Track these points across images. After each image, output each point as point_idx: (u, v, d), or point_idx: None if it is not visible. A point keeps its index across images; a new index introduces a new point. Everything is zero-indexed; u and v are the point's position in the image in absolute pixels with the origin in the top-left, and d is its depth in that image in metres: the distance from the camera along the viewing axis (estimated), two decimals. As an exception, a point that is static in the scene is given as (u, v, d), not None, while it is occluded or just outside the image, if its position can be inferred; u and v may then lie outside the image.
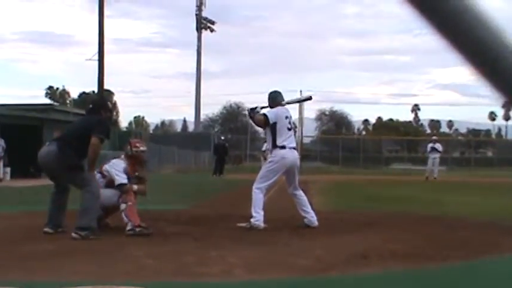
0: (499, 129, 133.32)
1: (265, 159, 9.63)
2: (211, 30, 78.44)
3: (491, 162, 69.72)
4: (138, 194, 8.62)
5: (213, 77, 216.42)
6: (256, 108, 9.45)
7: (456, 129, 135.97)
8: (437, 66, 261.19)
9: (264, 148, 10.23)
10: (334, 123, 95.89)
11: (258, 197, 9.03)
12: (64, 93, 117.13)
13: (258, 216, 8.87)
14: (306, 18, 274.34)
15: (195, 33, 77.71)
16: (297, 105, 67.46)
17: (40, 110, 34.50)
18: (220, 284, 5.30)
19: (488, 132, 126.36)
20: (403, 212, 11.73)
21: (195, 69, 77.95)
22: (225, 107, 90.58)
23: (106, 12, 34.65)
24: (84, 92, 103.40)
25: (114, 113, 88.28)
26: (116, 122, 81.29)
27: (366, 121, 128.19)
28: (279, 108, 9.30)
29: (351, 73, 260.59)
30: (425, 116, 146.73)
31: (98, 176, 8.48)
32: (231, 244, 7.36)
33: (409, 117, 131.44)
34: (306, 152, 61.12)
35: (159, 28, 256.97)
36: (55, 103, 75.74)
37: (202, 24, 77.15)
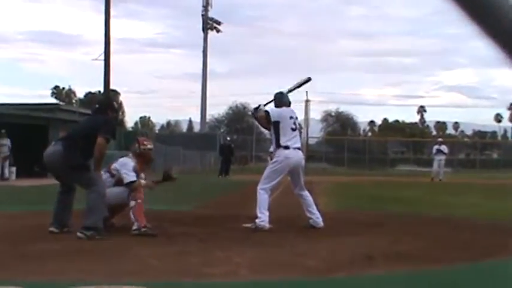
0: (505, 131, 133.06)
1: (271, 160, 9.60)
2: (217, 31, 78.41)
3: (496, 164, 69.56)
4: (146, 188, 8.67)
5: (219, 78, 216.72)
6: (259, 106, 9.45)
7: (462, 131, 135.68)
8: (444, 68, 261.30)
9: (271, 149, 10.21)
10: (340, 124, 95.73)
11: (262, 197, 9.02)
12: (70, 93, 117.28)
13: (263, 217, 8.87)
14: (312, 19, 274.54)
15: (201, 34, 77.69)
16: (303, 106, 67.51)
17: (46, 110, 34.52)
18: (225, 285, 5.30)
19: (494, 134, 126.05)
20: (408, 214, 11.72)
21: (201, 70, 77.95)
22: (230, 108, 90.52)
23: (112, 12, 34.69)
24: (90, 92, 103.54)
25: (120, 113, 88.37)
26: (121, 122, 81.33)
27: (371, 122, 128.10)
28: (283, 108, 9.29)
29: (356, 74, 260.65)
30: (431, 117, 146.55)
31: (107, 175, 8.49)
32: (236, 245, 7.35)
33: (415, 118, 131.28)
34: (311, 153, 61.12)
35: (165, 28, 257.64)
36: (61, 103, 75.81)
37: (208, 24, 77.14)
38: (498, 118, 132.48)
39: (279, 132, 9.10)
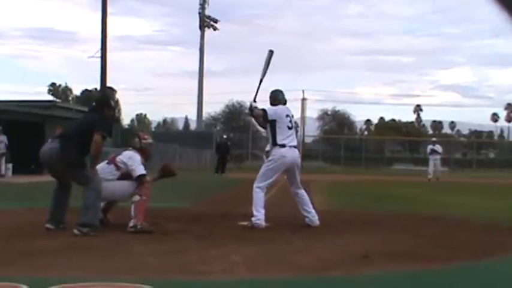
0: (501, 131, 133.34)
1: (267, 158, 9.59)
2: (214, 29, 78.43)
3: (493, 164, 69.71)
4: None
5: (215, 76, 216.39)
6: (251, 105, 9.43)
7: (458, 131, 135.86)
8: (440, 67, 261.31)
9: (267, 148, 10.17)
10: (336, 123, 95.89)
11: (258, 196, 9.02)
12: (66, 90, 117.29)
13: (259, 215, 8.87)
14: (309, 17, 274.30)
15: (198, 32, 77.73)
16: (299, 104, 67.52)
17: (42, 107, 34.51)
18: (221, 282, 5.30)
19: (490, 133, 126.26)
20: (404, 212, 11.74)
21: (197, 68, 77.98)
22: (227, 106, 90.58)
23: (109, 9, 34.67)
24: (86, 89, 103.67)
25: (117, 111, 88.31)
26: (118, 120, 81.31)
27: (368, 121, 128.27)
28: (280, 106, 9.28)
29: (353, 73, 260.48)
30: (427, 116, 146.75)
31: (112, 167, 8.44)
32: (233, 242, 7.35)
33: (411, 117, 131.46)
34: (307, 152, 61.19)
35: (162, 26, 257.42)
36: (57, 100, 75.78)
37: (206, 22, 77.12)
38: (495, 118, 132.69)
39: (276, 131, 9.09)
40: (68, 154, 7.96)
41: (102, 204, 8.44)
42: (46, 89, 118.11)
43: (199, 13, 77.50)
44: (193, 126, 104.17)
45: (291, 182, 9.34)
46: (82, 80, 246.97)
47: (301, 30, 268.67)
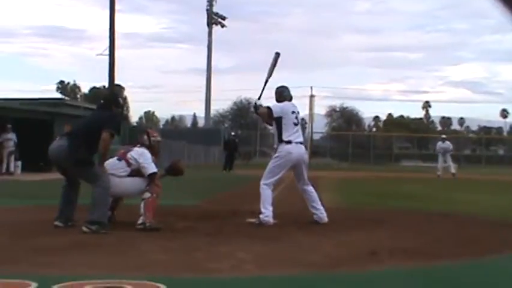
0: (511, 127, 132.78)
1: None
2: (222, 26, 78.46)
3: (502, 160, 69.52)
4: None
5: (223, 73, 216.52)
6: (255, 104, 9.45)
7: (467, 127, 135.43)
8: (449, 63, 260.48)
9: (276, 145, 10.15)
10: (345, 119, 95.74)
11: (266, 192, 9.03)
12: (75, 87, 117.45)
13: (267, 212, 8.88)
14: (317, 14, 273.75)
15: (206, 29, 77.76)
16: (307, 101, 67.44)
17: (51, 105, 34.59)
18: (230, 280, 5.31)
19: (499, 129, 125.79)
20: (412, 209, 11.72)
21: (205, 65, 78.00)
22: (235, 103, 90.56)
23: (117, 6, 34.67)
24: (94, 87, 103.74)
25: (125, 108, 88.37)
26: (126, 117, 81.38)
27: (376, 118, 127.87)
28: (285, 103, 9.28)
29: (361, 70, 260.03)
30: (436, 113, 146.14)
31: (122, 163, 8.45)
32: (241, 240, 7.37)
33: (420, 114, 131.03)
34: (315, 148, 61.14)
35: (170, 23, 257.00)
36: (66, 98, 75.96)
37: (213, 19, 77.14)
38: (504, 114, 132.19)
39: (282, 128, 9.09)
40: (76, 152, 7.98)
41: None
42: (54, 87, 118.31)
43: (207, 10, 77.56)
44: (201, 123, 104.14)
45: (298, 179, 9.34)
46: (90, 78, 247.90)
47: (309, 27, 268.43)
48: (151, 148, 8.72)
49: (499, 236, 8.09)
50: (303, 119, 10.61)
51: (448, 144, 31.14)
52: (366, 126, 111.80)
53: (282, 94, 9.37)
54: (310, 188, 9.34)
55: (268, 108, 9.21)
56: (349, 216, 10.21)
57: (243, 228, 8.50)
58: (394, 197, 15.05)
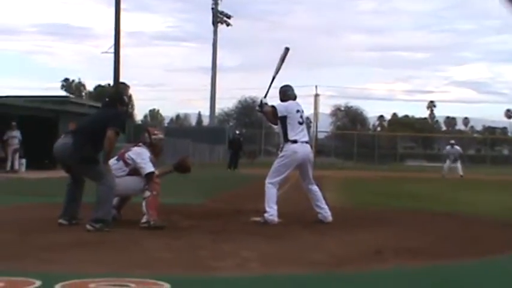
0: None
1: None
2: (227, 25, 78.38)
3: (507, 160, 69.41)
4: (165, 174, 8.68)
5: (228, 71, 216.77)
6: (261, 102, 9.43)
7: (472, 127, 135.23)
8: (454, 63, 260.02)
9: (281, 144, 10.13)
10: (349, 119, 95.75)
11: (271, 191, 9.02)
12: (80, 85, 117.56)
13: (271, 211, 8.87)
14: (322, 13, 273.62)
15: (211, 27, 77.71)
16: (312, 100, 67.42)
17: (56, 102, 34.65)
18: (234, 278, 5.30)
19: (504, 130, 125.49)
20: (417, 209, 11.69)
21: (210, 63, 78.00)
22: (240, 102, 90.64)
23: (122, 5, 34.69)
24: (99, 85, 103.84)
25: (130, 106, 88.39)
26: (131, 115, 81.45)
27: (381, 117, 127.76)
28: (290, 102, 9.27)
29: (366, 69, 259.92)
30: (441, 113, 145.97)
31: (120, 163, 8.45)
32: (246, 238, 7.36)
33: (424, 114, 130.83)
34: (320, 148, 61.05)
35: (175, 22, 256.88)
36: (71, 95, 76.02)
37: (219, 18, 77.09)
38: (509, 114, 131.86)
39: (287, 127, 9.08)
40: (81, 150, 7.98)
41: (115, 201, 8.46)
42: (59, 84, 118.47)
43: (212, 9, 77.45)
44: (206, 121, 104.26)
45: (304, 178, 9.33)
46: (96, 76, 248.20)
47: (314, 26, 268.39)
48: (152, 146, 8.69)
49: (502, 236, 8.07)
50: (307, 118, 10.65)
51: (456, 149, 31.27)
52: (371, 126, 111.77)
53: (286, 93, 9.35)
54: (315, 187, 9.33)
55: (273, 107, 9.20)
56: (354, 215, 10.20)
57: (247, 226, 8.49)
58: (398, 197, 15.03)
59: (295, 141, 9.04)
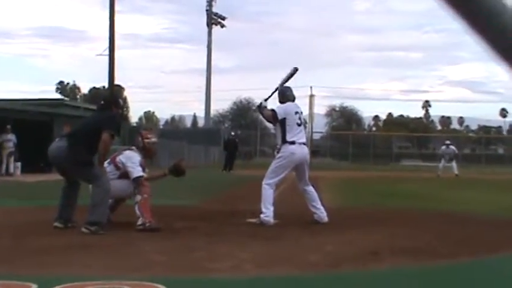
0: (510, 126, 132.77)
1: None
2: (222, 26, 78.44)
3: (502, 159, 69.53)
4: (159, 179, 8.68)
5: (223, 73, 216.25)
6: (261, 104, 9.47)
7: (467, 126, 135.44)
8: (449, 63, 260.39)
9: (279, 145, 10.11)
10: (344, 119, 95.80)
11: (267, 192, 9.03)
12: (74, 88, 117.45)
13: (267, 212, 8.88)
14: (317, 14, 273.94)
15: (206, 29, 77.74)
16: (307, 100, 67.49)
17: (51, 105, 34.56)
18: (230, 280, 5.30)
19: (499, 129, 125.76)
20: (413, 209, 11.71)
21: (205, 65, 77.99)
22: (235, 103, 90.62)
23: (117, 7, 34.68)
24: (94, 87, 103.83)
25: (124, 108, 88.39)
26: (126, 117, 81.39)
27: (376, 117, 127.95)
28: (288, 103, 9.29)
29: (361, 69, 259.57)
30: (436, 112, 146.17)
31: (111, 167, 8.46)
32: (241, 239, 7.36)
33: (419, 113, 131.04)
34: (315, 148, 61.09)
35: (170, 23, 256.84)
36: (65, 98, 75.92)
37: (213, 19, 77.13)
38: (503, 113, 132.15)
39: (286, 129, 9.10)
40: (75, 152, 7.97)
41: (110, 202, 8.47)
42: (54, 87, 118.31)
43: (207, 10, 77.50)
44: (201, 123, 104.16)
45: (300, 179, 9.35)
46: (91, 78, 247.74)
47: (309, 27, 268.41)
48: (146, 150, 8.73)
49: (497, 236, 8.08)
50: (304, 119, 10.69)
51: (452, 149, 31.55)
52: (366, 126, 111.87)
53: (285, 95, 9.39)
54: (310, 188, 9.35)
55: (273, 110, 9.25)
56: (350, 215, 10.21)
57: (243, 228, 8.49)
58: (394, 197, 15.05)
59: (292, 143, 9.06)
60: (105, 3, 34.61)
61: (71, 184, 8.38)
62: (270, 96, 9.45)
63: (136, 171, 8.35)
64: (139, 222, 8.04)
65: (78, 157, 7.97)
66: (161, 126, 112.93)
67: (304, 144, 9.33)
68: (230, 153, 34.52)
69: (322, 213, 9.18)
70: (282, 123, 9.14)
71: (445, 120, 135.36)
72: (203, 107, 78.12)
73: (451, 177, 28.15)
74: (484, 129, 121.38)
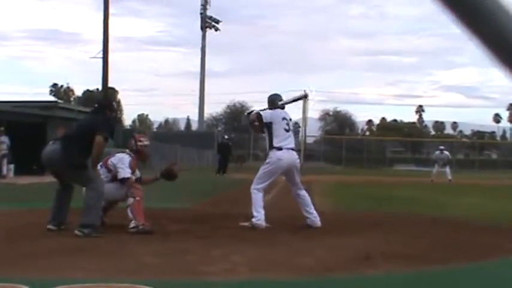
0: (504, 131, 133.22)
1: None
2: (216, 29, 78.52)
3: (495, 165, 69.71)
4: (150, 183, 8.69)
5: (217, 76, 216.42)
6: (252, 111, 9.51)
7: (460, 131, 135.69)
8: (443, 68, 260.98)
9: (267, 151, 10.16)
10: (338, 123, 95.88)
11: (257, 196, 9.06)
12: (68, 90, 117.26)
13: (259, 216, 8.89)
14: (311, 18, 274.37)
15: (200, 32, 77.79)
16: (301, 104, 67.55)
17: (44, 107, 34.48)
18: (223, 283, 5.31)
19: (492, 134, 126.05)
20: (406, 213, 11.72)
21: (199, 68, 78.02)
22: (229, 106, 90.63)
23: (112, 10, 34.75)
24: (88, 90, 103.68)
25: (118, 111, 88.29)
26: (119, 120, 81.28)
27: (369, 122, 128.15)
28: (276, 110, 9.34)
29: (355, 73, 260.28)
30: (429, 117, 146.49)
31: (103, 170, 8.48)
32: (234, 243, 7.36)
33: (413, 118, 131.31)
34: (309, 152, 61.01)
35: (165, 27, 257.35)
36: (59, 100, 75.76)
37: (207, 23, 77.19)
38: (497, 118, 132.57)
39: (272, 133, 9.14)
40: (69, 156, 7.97)
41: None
42: (48, 89, 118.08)
43: (201, 14, 77.58)
44: (195, 126, 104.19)
45: (291, 184, 9.36)
46: (85, 81, 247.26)
47: (303, 31, 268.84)
48: (139, 153, 8.78)
49: (490, 241, 8.09)
50: (296, 123, 10.68)
51: (446, 154, 31.66)
52: (359, 130, 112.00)
53: (274, 102, 9.44)
54: (303, 192, 9.35)
55: (258, 113, 9.28)
56: (343, 220, 10.21)
57: (235, 231, 8.49)
58: (387, 201, 15.05)
59: (280, 148, 9.08)
60: (100, 6, 34.62)
61: (65, 187, 8.38)
62: (264, 109, 9.48)
63: (124, 172, 8.39)
64: (132, 224, 8.05)
65: (72, 160, 7.97)
66: (155, 129, 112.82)
67: (292, 149, 9.35)
68: (223, 156, 34.52)
69: (315, 218, 9.18)
70: (268, 128, 9.17)
71: (439, 125, 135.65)
72: (197, 110, 78.34)
73: (444, 182, 28.18)
74: (478, 134, 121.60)
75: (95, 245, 7.07)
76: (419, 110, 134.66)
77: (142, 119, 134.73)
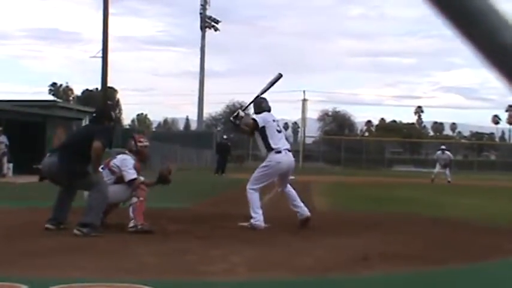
0: (503, 133, 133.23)
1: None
2: (216, 29, 78.52)
3: (494, 166, 69.72)
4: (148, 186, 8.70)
5: (217, 76, 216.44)
6: (238, 114, 9.51)
7: (459, 132, 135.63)
8: (442, 69, 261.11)
9: (264, 154, 10.13)
10: (337, 124, 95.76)
11: (253, 196, 9.09)
12: (67, 90, 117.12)
13: (257, 216, 8.91)
14: (311, 18, 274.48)
15: (200, 32, 77.78)
16: (300, 105, 67.51)
17: (43, 107, 34.45)
18: (222, 283, 5.30)
19: (491, 135, 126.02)
20: (405, 214, 11.72)
21: (199, 68, 78.01)
22: (228, 106, 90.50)
23: (112, 10, 34.72)
24: (87, 89, 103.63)
25: (117, 111, 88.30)
26: (118, 120, 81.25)
27: (368, 122, 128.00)
28: (264, 113, 9.39)
29: (354, 74, 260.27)
30: (428, 118, 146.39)
31: (106, 171, 8.47)
32: (233, 243, 7.36)
33: (412, 119, 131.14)
34: (308, 153, 61.16)
35: (164, 26, 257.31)
36: (58, 100, 75.75)
37: (207, 23, 77.18)
38: (496, 120, 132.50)
39: (267, 136, 9.20)
40: (68, 165, 8.02)
41: None
42: (47, 89, 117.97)
43: (201, 13, 77.56)
44: (194, 126, 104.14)
45: (281, 184, 9.43)
46: (85, 80, 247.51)
47: (303, 31, 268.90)
48: (139, 153, 8.77)
49: (490, 242, 8.09)
50: (295, 123, 10.73)
51: (447, 155, 31.32)
52: (358, 131, 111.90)
53: (261, 105, 9.52)
54: (288, 187, 9.42)
55: (253, 119, 9.35)
56: (341, 220, 10.22)
57: (235, 231, 8.49)
58: (386, 202, 15.05)
59: (279, 151, 9.12)
60: (100, 5, 34.57)
61: (68, 188, 8.39)
62: (248, 105, 9.54)
63: (130, 174, 8.37)
64: (131, 224, 8.05)
65: (72, 169, 8.01)
66: (154, 129, 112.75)
67: (289, 150, 9.44)
68: (222, 156, 34.52)
69: (303, 209, 9.23)
70: (262, 132, 9.22)
71: (438, 126, 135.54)
72: (196, 110, 78.27)
73: (443, 183, 28.17)
74: (477, 135, 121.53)
75: (95, 244, 7.07)
76: (418, 110, 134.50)
77: (142, 119, 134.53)
